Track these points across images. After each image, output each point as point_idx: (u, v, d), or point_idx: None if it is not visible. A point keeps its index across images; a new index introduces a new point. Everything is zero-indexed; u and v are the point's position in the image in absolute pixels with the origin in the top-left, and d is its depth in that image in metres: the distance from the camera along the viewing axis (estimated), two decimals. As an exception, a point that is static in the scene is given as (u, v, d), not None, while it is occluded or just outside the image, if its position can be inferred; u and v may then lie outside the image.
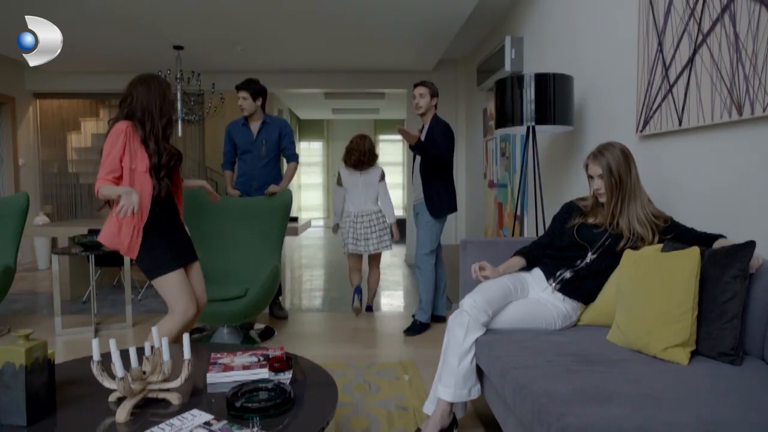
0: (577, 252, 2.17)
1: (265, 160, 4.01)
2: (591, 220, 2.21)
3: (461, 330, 2.03)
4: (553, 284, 2.17)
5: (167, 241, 2.43)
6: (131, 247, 2.35)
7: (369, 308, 4.41)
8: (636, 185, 2.10)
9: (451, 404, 2.09)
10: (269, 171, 4.03)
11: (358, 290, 4.29)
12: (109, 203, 2.40)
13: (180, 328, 2.39)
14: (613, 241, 2.11)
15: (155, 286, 2.41)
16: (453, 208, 3.85)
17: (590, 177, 2.17)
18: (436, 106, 3.85)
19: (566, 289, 2.14)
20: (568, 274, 2.16)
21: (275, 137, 4.02)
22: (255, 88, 3.93)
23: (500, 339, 1.97)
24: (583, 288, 2.14)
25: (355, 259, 4.29)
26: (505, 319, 2.09)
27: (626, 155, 2.10)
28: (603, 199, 2.15)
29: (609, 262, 2.10)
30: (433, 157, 3.62)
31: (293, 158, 4.07)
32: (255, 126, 4.00)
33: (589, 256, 2.15)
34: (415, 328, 3.79)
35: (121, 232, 2.35)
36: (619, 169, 2.08)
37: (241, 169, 4.07)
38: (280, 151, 4.09)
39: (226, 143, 4.08)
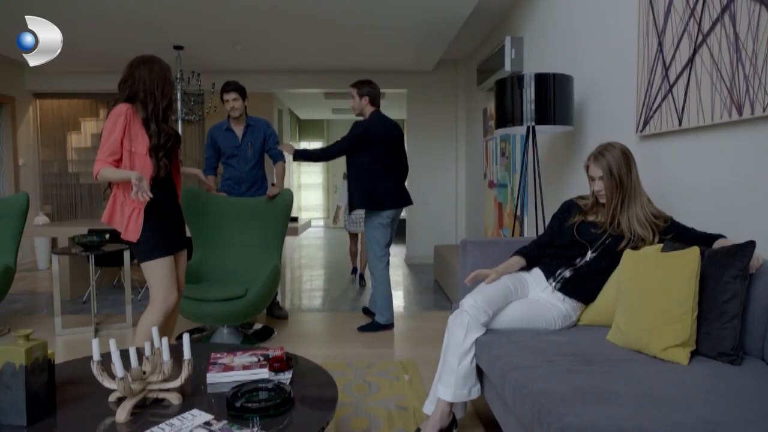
0: (577, 251, 2.17)
1: (252, 162, 4.01)
2: (591, 218, 2.21)
3: (461, 330, 2.03)
4: (553, 283, 2.17)
5: (164, 226, 2.44)
6: (130, 229, 2.36)
7: (361, 276, 5.66)
8: (636, 186, 2.10)
9: (451, 404, 2.09)
10: (256, 173, 4.05)
11: (355, 270, 6.01)
12: (110, 185, 2.41)
13: (162, 316, 2.41)
14: (613, 240, 2.11)
15: (142, 269, 2.42)
16: (376, 204, 3.80)
17: (591, 178, 2.17)
18: (373, 103, 3.85)
19: (566, 288, 2.14)
20: (567, 273, 2.16)
21: (260, 139, 4.01)
22: (243, 89, 3.93)
23: (500, 339, 1.97)
24: (583, 287, 2.14)
25: (353, 236, 5.77)
26: (505, 319, 2.09)
27: (626, 156, 2.10)
28: (603, 200, 2.15)
29: (609, 261, 2.10)
30: (319, 157, 3.77)
31: (281, 157, 4.04)
32: (239, 129, 3.97)
33: (589, 255, 2.15)
34: (370, 327, 3.89)
35: (122, 214, 2.37)
36: (619, 171, 2.08)
37: (227, 173, 4.05)
38: (265, 152, 4.08)
39: (208, 148, 4.03)
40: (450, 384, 2.04)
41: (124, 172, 2.26)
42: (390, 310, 3.91)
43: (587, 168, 2.18)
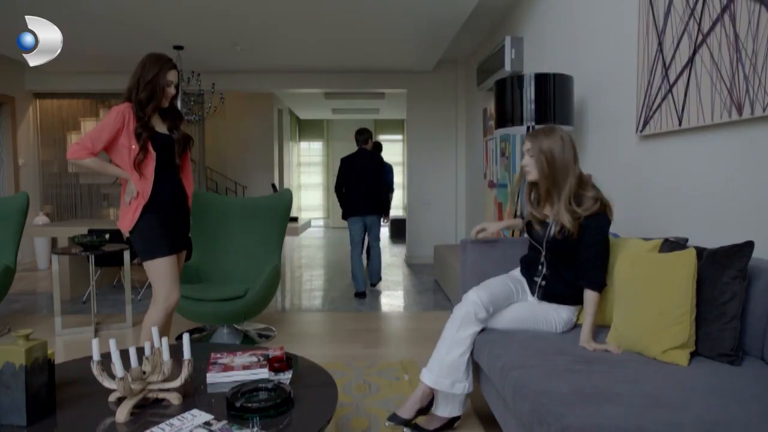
0: (533, 255, 2.17)
1: None
2: (536, 214, 2.14)
3: (457, 321, 2.05)
4: (536, 296, 2.16)
5: (166, 225, 2.47)
6: (126, 220, 2.43)
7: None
8: (568, 169, 2.01)
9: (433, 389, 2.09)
10: None
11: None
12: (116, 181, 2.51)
13: (164, 315, 2.44)
14: (555, 235, 2.06)
15: (145, 268, 2.46)
16: (343, 211, 5.21)
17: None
18: (357, 143, 5.26)
19: (548, 297, 2.12)
20: (542, 282, 2.14)
21: None
22: None
23: (500, 339, 1.98)
24: (562, 293, 2.10)
25: None
26: (507, 319, 2.09)
27: (563, 140, 2.03)
28: (531, 178, 2.09)
29: (559, 256, 2.06)
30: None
31: None
32: None
33: (543, 257, 2.13)
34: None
35: (125, 204, 2.44)
36: (552, 150, 2.00)
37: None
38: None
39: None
40: (434, 370, 2.06)
41: (115, 169, 2.37)
42: (356, 280, 5.13)
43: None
